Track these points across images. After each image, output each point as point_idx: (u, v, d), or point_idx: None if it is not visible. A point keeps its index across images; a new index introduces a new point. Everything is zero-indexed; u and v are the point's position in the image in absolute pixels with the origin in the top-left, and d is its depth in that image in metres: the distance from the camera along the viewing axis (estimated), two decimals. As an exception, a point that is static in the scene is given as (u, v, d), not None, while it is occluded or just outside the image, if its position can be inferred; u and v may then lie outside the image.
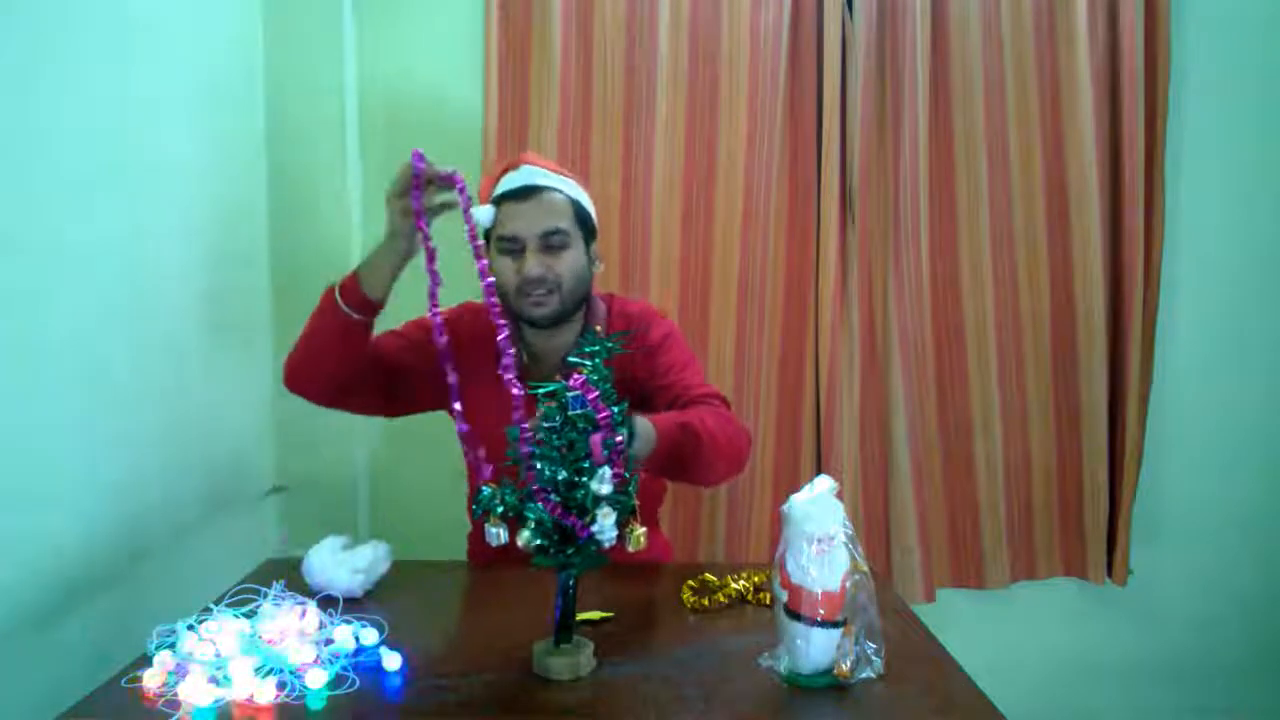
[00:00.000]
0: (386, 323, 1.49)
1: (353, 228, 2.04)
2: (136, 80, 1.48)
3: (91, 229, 1.35)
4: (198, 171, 1.69)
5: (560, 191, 1.43)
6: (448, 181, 1.23)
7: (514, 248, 1.41)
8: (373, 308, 1.36)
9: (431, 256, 1.22)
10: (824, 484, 1.06)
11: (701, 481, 1.42)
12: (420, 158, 1.19)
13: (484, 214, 1.39)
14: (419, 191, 1.22)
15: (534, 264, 1.39)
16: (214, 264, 1.75)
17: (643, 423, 1.14)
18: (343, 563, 1.27)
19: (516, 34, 2.00)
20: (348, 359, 1.39)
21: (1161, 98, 2.09)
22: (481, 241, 1.23)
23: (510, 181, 1.43)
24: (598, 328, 1.43)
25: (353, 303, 1.34)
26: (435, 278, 1.21)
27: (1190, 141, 2.14)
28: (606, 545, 1.00)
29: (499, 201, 1.41)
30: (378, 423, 2.07)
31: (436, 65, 2.05)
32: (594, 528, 0.99)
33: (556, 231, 1.41)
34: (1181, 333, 2.18)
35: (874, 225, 2.09)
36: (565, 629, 1.07)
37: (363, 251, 2.04)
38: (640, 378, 1.46)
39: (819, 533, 1.02)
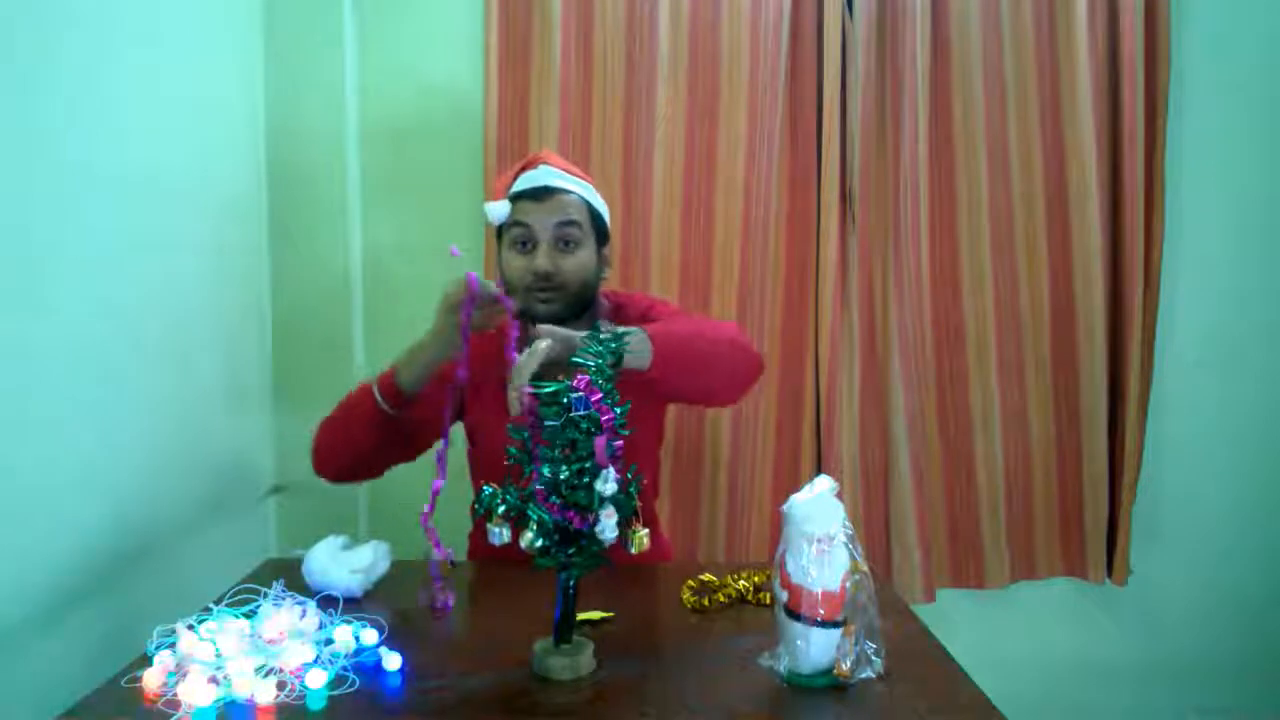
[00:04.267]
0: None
1: (353, 229, 2.04)
2: (137, 83, 1.48)
3: (92, 231, 1.35)
4: (198, 173, 1.69)
5: (575, 193, 1.45)
6: (494, 301, 1.25)
7: (525, 238, 1.42)
8: (407, 401, 1.38)
9: (465, 364, 1.28)
10: (824, 484, 1.06)
11: (720, 387, 1.36)
12: (475, 281, 1.24)
13: (498, 210, 1.41)
14: (469, 308, 1.25)
15: (545, 259, 1.40)
16: (214, 265, 1.75)
17: (635, 332, 1.17)
18: (343, 563, 1.27)
19: (517, 34, 2.00)
20: (382, 447, 1.42)
21: (1161, 98, 2.08)
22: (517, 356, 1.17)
23: (527, 180, 1.44)
24: (604, 324, 1.44)
25: (390, 398, 1.37)
26: (463, 375, 1.28)
27: (1190, 141, 2.14)
28: (608, 545, 1.01)
29: (514, 199, 1.42)
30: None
31: (437, 66, 2.05)
32: (596, 528, 0.99)
33: (571, 223, 1.42)
34: (1181, 332, 2.18)
35: (874, 225, 2.09)
36: (566, 629, 1.07)
37: (363, 254, 2.06)
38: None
39: (819, 533, 1.02)
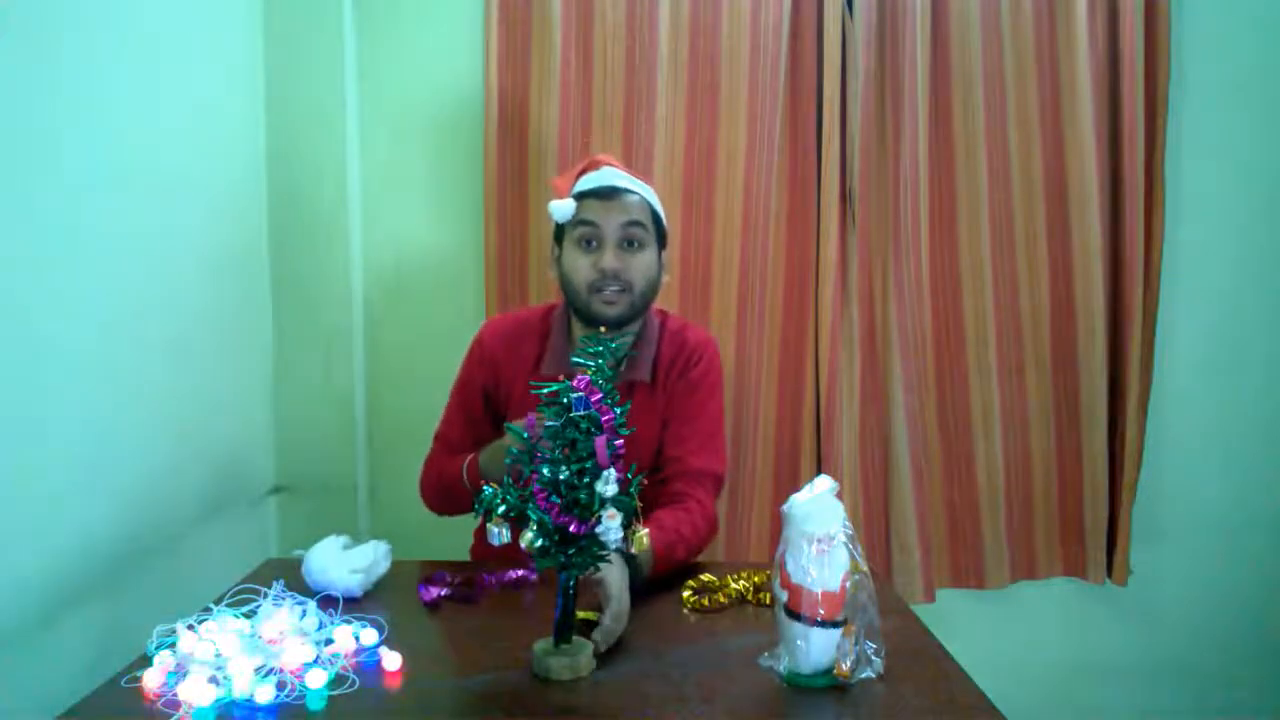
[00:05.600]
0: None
1: (353, 229, 2.04)
2: (137, 83, 1.48)
3: (92, 231, 1.35)
4: (198, 173, 1.69)
5: (639, 195, 1.47)
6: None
7: (592, 236, 1.44)
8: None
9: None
10: (824, 484, 1.06)
11: None
12: (532, 423, 1.23)
13: (564, 208, 1.43)
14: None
15: (612, 258, 1.42)
16: (214, 265, 1.75)
17: (645, 561, 1.25)
18: (343, 563, 1.27)
19: (517, 34, 2.00)
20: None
21: (1161, 98, 2.08)
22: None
23: (591, 180, 1.47)
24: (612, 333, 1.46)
25: (475, 484, 1.40)
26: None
27: (1190, 141, 2.14)
28: (612, 547, 1.01)
29: (579, 198, 1.45)
30: (378, 423, 2.07)
31: (437, 66, 2.05)
32: (599, 529, 0.99)
33: (636, 223, 1.44)
34: (1181, 333, 2.18)
35: (874, 225, 2.09)
36: (565, 629, 1.07)
37: (363, 254, 2.06)
38: (663, 403, 1.51)
39: (819, 533, 1.02)
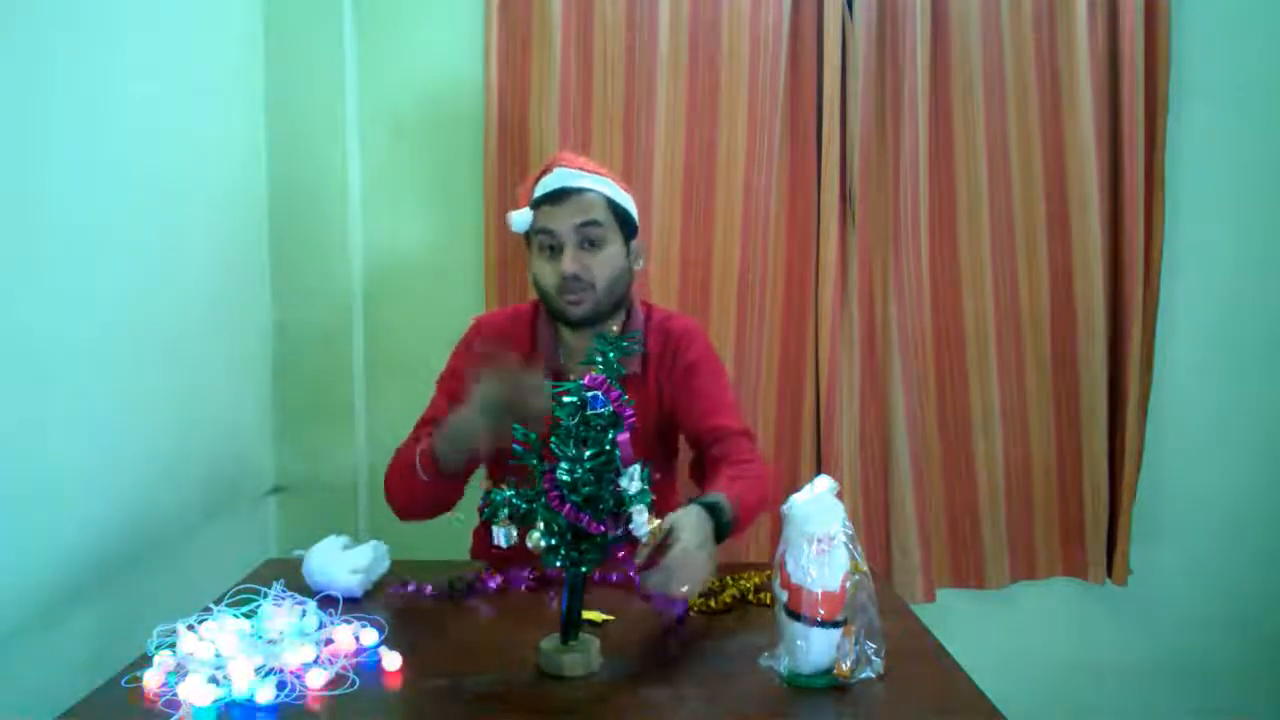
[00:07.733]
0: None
1: (353, 229, 2.04)
2: (138, 83, 1.48)
3: (92, 231, 1.35)
4: (198, 172, 1.69)
5: (595, 191, 1.44)
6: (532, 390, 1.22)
7: (551, 243, 1.43)
8: (448, 474, 1.35)
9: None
10: (824, 484, 1.06)
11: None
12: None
13: (520, 218, 1.44)
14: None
15: (571, 261, 1.41)
16: (214, 265, 1.75)
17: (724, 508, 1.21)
18: (343, 563, 1.27)
19: (517, 34, 2.00)
20: (442, 495, 1.41)
21: (1161, 98, 2.08)
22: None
23: (545, 185, 1.45)
24: (614, 328, 1.46)
25: (429, 472, 1.34)
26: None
27: (1190, 141, 2.13)
28: (641, 541, 1.02)
29: (535, 206, 1.44)
30: (377, 424, 2.07)
31: (437, 66, 2.05)
32: (630, 525, 1.01)
33: (591, 223, 1.42)
34: (1181, 332, 2.18)
35: (874, 225, 2.09)
36: (573, 626, 1.07)
37: (363, 254, 2.06)
38: (667, 396, 1.50)
39: (819, 533, 1.02)
